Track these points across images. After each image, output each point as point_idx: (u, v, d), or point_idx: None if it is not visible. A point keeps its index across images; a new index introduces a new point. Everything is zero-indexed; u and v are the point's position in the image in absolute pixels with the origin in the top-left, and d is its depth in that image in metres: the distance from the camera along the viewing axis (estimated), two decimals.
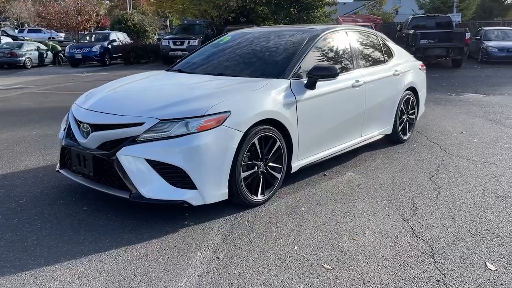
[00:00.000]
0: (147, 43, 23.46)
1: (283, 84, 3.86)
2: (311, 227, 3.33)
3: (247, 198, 3.56)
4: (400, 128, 5.62)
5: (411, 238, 3.12)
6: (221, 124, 3.29)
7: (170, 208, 3.52)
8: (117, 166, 3.27)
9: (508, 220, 3.39)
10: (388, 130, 5.42)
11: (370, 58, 5.17)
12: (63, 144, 3.76)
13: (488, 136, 6.00)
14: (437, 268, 2.71)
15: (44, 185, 4.28)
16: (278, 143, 3.73)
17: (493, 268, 2.70)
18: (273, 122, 3.67)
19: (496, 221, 3.37)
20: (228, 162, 3.34)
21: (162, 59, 20.26)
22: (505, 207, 3.64)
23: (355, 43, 4.99)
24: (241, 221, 3.42)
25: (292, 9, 23.76)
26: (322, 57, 4.49)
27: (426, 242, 3.05)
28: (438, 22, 17.88)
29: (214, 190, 3.32)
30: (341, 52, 4.75)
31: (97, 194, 3.88)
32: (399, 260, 2.82)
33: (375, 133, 5.18)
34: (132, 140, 3.27)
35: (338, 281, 2.60)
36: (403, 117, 5.68)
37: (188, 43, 19.55)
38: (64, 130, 3.86)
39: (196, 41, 19.61)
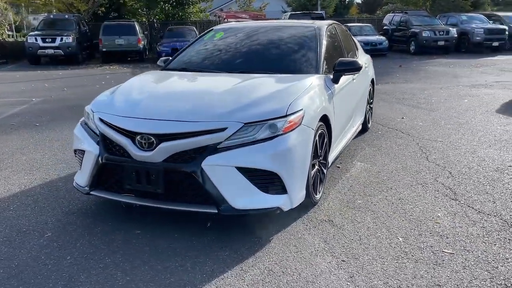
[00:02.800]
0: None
1: (321, 79, 3.90)
2: (386, 217, 3.45)
3: (313, 197, 3.53)
4: (367, 117, 6.07)
5: (475, 210, 3.47)
6: (301, 123, 3.20)
7: (193, 216, 3.25)
8: (202, 179, 2.93)
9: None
10: (362, 119, 5.81)
11: (351, 51, 5.46)
12: (102, 160, 3.19)
13: (426, 120, 6.84)
14: None
15: (61, 211, 3.58)
16: (326, 139, 3.76)
17: None
18: (323, 118, 3.68)
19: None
20: (308, 162, 3.28)
21: (29, 59, 17.87)
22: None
23: (342, 37, 5.22)
24: (320, 222, 3.38)
25: (166, 4, 23.10)
26: (330, 51, 4.57)
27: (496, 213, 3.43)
28: (313, 18, 19.32)
29: (299, 193, 3.22)
30: (338, 46, 4.92)
31: (127, 215, 3.43)
32: (487, 230, 3.13)
33: (358, 123, 5.51)
34: (214, 149, 2.96)
35: (474, 262, 2.77)
36: (367, 107, 6.14)
37: (61, 40, 17.58)
38: (97, 143, 3.27)
39: (70, 37, 17.77)
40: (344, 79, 4.38)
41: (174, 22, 22.77)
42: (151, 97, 3.49)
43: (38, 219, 3.48)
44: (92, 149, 3.29)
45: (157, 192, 3.07)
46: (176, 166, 3.00)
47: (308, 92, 3.50)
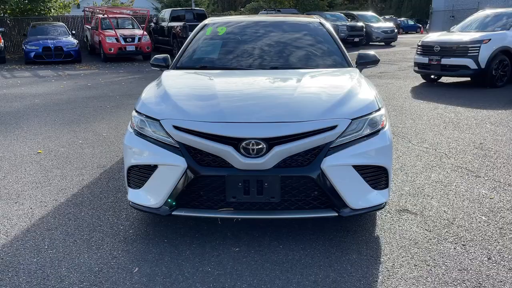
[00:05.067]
0: None
1: (359, 73, 3.92)
2: (462, 199, 3.68)
3: None
4: None
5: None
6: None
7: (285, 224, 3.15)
8: (323, 181, 2.73)
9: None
10: None
11: None
12: (195, 174, 2.73)
13: None
14: None
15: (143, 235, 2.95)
16: None
17: None
18: None
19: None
20: None
21: None
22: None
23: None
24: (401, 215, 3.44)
25: None
26: None
27: None
28: (195, 14, 19.08)
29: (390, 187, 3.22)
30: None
31: (211, 229, 3.05)
32: None
33: None
34: (327, 148, 2.78)
35: None
36: None
37: None
38: (182, 155, 2.78)
39: None
40: None
41: (34, 18, 20.13)
42: (226, 99, 3.09)
43: None
44: (173, 162, 2.78)
45: (270, 202, 2.76)
46: (294, 171, 2.73)
47: (369, 85, 3.50)
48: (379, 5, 54.90)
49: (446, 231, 3.09)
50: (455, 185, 3.95)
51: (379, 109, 3.07)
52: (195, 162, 2.76)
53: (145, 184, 2.93)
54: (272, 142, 2.70)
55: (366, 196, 2.90)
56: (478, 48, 9.20)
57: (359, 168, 2.84)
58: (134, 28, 17.84)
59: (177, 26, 17.40)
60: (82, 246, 2.95)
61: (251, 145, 2.69)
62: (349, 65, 4.05)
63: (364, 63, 4.20)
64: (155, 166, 2.87)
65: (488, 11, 10.83)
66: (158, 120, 2.92)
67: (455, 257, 2.76)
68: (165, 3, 25.89)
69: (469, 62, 9.27)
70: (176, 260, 2.76)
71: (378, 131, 2.98)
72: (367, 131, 2.93)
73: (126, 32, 17.00)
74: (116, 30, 16.61)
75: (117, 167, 4.60)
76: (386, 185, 3.01)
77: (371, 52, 4.31)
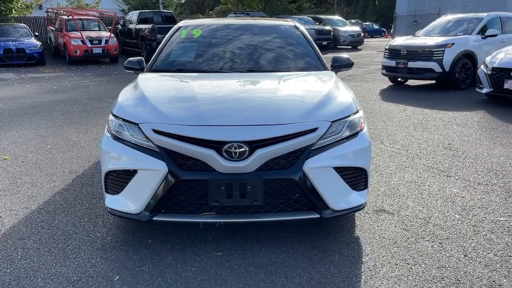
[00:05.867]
0: None
1: (335, 75, 3.98)
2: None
3: None
4: None
5: None
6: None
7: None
8: (304, 183, 2.75)
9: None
10: None
11: None
12: (176, 179, 2.70)
13: None
14: None
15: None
16: None
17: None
18: None
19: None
20: None
21: None
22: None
23: None
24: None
25: None
26: None
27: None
28: (164, 16, 18.87)
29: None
30: None
31: (192, 234, 3.02)
32: None
33: None
34: (308, 151, 2.80)
35: None
36: None
37: None
38: (162, 159, 2.73)
39: None
40: None
41: None
42: (206, 102, 3.06)
43: None
44: (153, 166, 2.73)
45: (253, 205, 2.75)
46: (276, 174, 2.74)
47: (346, 88, 3.56)
48: (345, 9, 55.92)
49: (423, 230, 3.17)
50: (428, 185, 4.06)
51: (357, 112, 3.12)
52: (176, 166, 2.73)
53: (124, 189, 2.87)
54: (254, 145, 2.70)
55: (347, 197, 2.94)
56: (442, 52, 9.51)
57: (339, 170, 2.88)
58: (100, 30, 17.44)
59: (145, 29, 17.16)
60: (58, 255, 2.85)
61: (233, 148, 2.67)
62: (324, 68, 4.11)
63: (338, 66, 4.26)
64: (135, 171, 2.81)
65: (450, 17, 11.23)
66: (137, 124, 2.86)
67: (433, 255, 2.83)
68: (132, 5, 25.45)
69: (434, 66, 9.58)
70: (158, 267, 2.71)
71: (357, 133, 3.03)
72: (347, 133, 2.97)
73: (93, 34, 16.61)
74: (82, 32, 16.21)
75: (90, 172, 4.48)
76: (365, 186, 3.06)
77: (345, 55, 4.38)
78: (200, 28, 4.57)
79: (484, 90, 8.14)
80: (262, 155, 2.69)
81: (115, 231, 3.19)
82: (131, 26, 18.68)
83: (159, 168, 2.72)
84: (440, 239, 3.03)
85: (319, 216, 2.84)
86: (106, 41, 16.33)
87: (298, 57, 4.23)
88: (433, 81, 10.50)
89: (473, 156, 4.94)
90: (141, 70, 4.23)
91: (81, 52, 16.06)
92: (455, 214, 3.44)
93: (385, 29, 42.71)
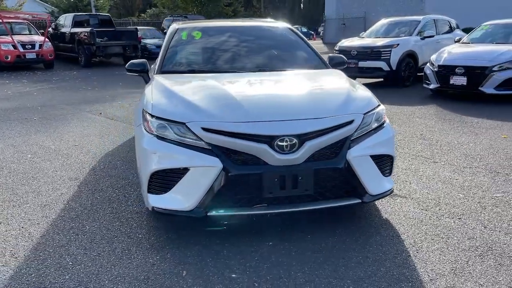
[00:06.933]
0: None
1: (343, 72, 4.24)
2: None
3: None
4: None
5: None
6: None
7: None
8: (348, 172, 2.97)
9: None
10: None
11: None
12: (231, 174, 2.78)
13: None
14: None
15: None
16: None
17: None
18: None
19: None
20: None
21: None
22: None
23: None
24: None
25: None
26: None
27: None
28: (100, 19, 18.20)
29: None
30: None
31: (237, 226, 3.13)
32: None
33: None
34: (349, 142, 3.03)
35: None
36: None
37: None
38: (216, 156, 2.80)
39: None
40: None
41: None
42: (246, 99, 3.16)
43: None
44: (207, 163, 2.80)
45: (305, 195, 2.91)
46: (324, 164, 2.92)
47: (360, 84, 3.84)
48: (272, 13, 57.28)
49: (439, 209, 3.52)
50: (422, 171, 4.46)
51: (379, 105, 3.40)
52: (230, 161, 2.81)
53: (174, 188, 2.89)
54: (303, 138, 2.87)
55: (380, 182, 3.20)
56: (389, 52, 10.25)
57: (374, 158, 3.13)
58: (31, 34, 16.41)
59: (82, 32, 16.45)
60: (111, 258, 2.81)
61: (285, 141, 2.82)
62: (327, 66, 4.35)
63: (335, 64, 4.53)
64: (186, 169, 2.85)
65: (390, 19, 12.10)
66: (184, 123, 2.90)
67: (459, 229, 3.17)
68: (62, 8, 24.15)
69: (382, 65, 10.28)
70: (219, 260, 2.77)
71: (383, 124, 3.31)
72: (375, 124, 3.24)
73: (24, 38, 15.58)
74: (12, 36, 15.16)
75: (94, 178, 4.34)
76: (390, 172, 3.35)
77: (339, 54, 4.68)
78: (198, 30, 4.62)
79: (432, 86, 8.92)
80: (311, 146, 2.87)
81: (155, 231, 3.18)
82: (65, 29, 17.77)
83: (214, 164, 2.79)
84: (458, 216, 3.39)
85: (360, 201, 3.07)
86: (40, 46, 15.43)
87: (301, 56, 4.45)
88: (381, 79, 11.24)
89: (446, 144, 5.46)
90: (145, 72, 4.21)
91: (12, 57, 15.01)
92: (459, 194, 3.84)
93: (313, 32, 44.41)
